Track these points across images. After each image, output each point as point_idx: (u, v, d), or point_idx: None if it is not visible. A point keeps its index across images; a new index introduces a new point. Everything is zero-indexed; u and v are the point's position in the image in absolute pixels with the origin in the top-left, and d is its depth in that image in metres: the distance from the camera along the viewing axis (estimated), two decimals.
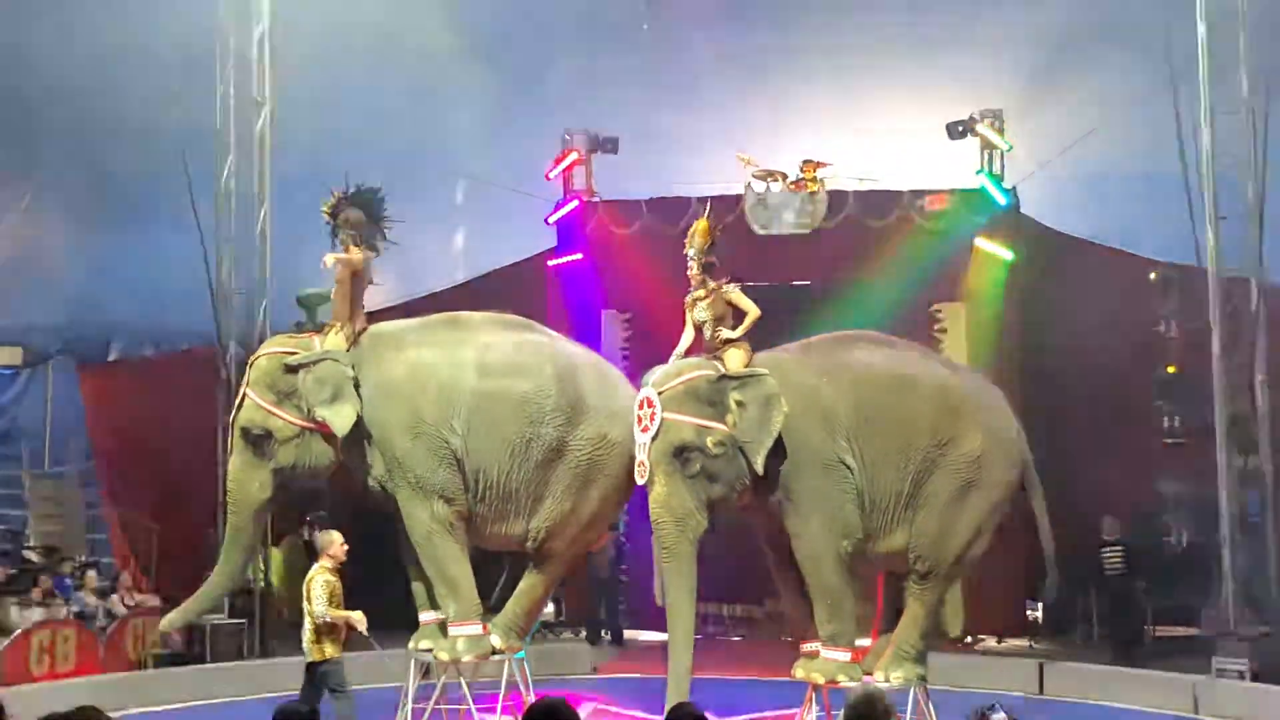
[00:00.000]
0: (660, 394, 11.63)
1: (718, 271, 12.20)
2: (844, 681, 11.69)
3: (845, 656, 11.77)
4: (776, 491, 11.80)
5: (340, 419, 12.38)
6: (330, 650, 11.76)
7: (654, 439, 11.59)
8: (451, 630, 12.60)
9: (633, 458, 12.19)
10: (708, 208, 12.62)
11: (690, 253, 12.18)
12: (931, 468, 11.79)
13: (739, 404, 11.59)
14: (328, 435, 12.54)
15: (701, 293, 12.15)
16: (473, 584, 12.70)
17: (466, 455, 12.43)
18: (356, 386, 12.48)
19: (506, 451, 12.44)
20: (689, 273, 12.24)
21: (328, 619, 11.65)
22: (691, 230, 12.27)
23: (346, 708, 11.72)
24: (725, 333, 12.00)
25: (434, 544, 12.55)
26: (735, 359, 11.89)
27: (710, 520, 11.84)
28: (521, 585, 13.02)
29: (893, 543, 11.93)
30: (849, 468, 11.70)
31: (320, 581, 11.71)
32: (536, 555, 12.83)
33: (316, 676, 11.79)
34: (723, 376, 11.72)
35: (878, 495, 11.79)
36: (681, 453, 11.58)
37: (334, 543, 11.99)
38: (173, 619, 13.18)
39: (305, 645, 11.86)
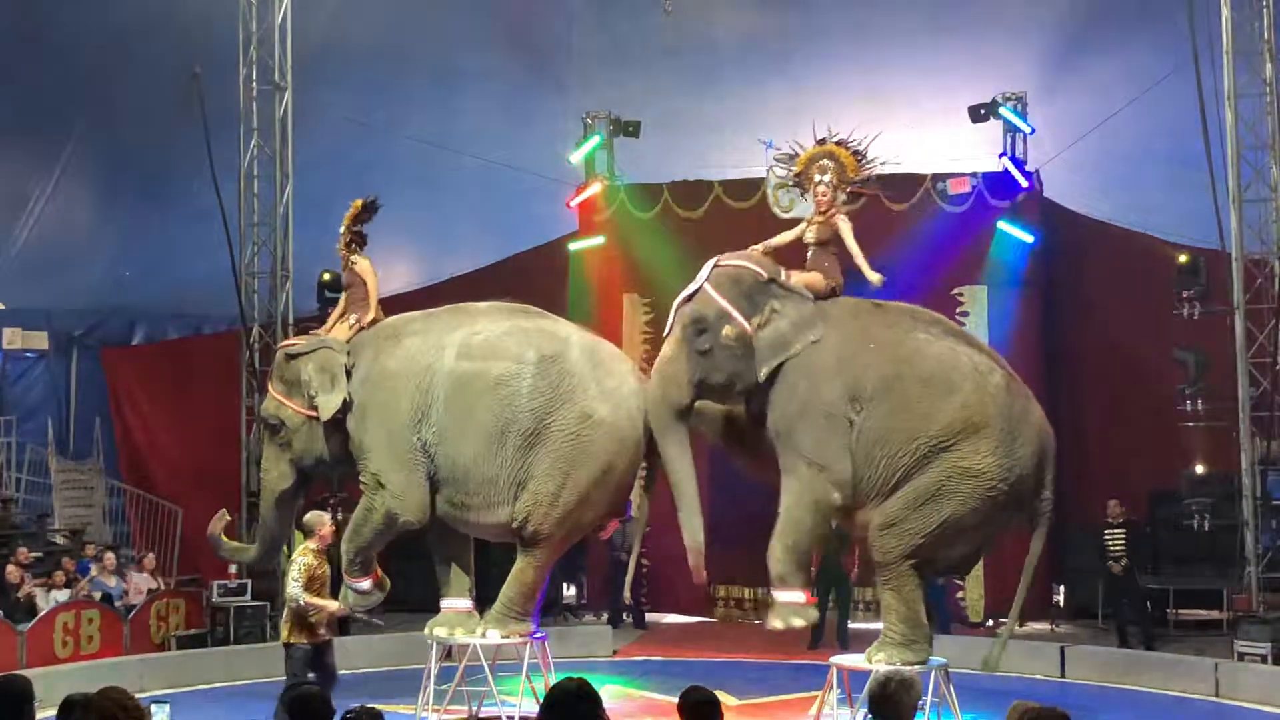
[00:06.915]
0: (715, 266, 11.92)
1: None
2: (797, 624, 11.71)
3: (800, 597, 11.66)
4: (771, 429, 11.76)
5: (326, 404, 12.60)
6: (298, 634, 11.59)
7: (685, 300, 11.93)
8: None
9: (629, 439, 12.34)
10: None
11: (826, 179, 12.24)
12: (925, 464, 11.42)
13: (774, 311, 11.66)
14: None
15: (820, 217, 12.21)
16: None
17: (441, 440, 12.43)
18: (349, 374, 12.67)
19: (483, 435, 12.34)
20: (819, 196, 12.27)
21: (300, 603, 11.45)
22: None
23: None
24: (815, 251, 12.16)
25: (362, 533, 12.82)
26: (806, 277, 11.99)
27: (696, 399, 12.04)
28: (512, 570, 12.83)
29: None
30: (851, 424, 11.48)
31: (300, 564, 11.58)
32: (524, 539, 12.59)
33: (284, 658, 11.75)
34: (772, 280, 11.78)
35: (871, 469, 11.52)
36: (697, 324, 11.76)
37: (324, 524, 11.91)
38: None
39: (281, 624, 11.91)
